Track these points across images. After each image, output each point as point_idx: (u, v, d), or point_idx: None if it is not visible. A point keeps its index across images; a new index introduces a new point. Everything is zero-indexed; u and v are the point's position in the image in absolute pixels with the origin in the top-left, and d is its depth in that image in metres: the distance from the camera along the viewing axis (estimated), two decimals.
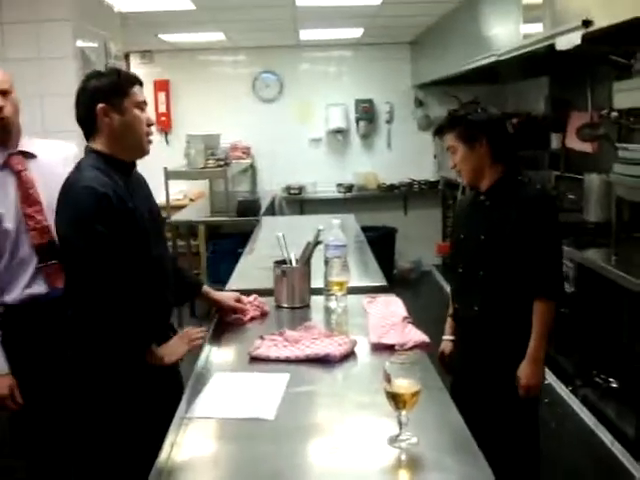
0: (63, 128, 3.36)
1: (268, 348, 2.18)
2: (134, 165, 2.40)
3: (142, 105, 2.32)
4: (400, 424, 1.60)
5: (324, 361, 2.09)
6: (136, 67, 7.90)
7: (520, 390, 2.58)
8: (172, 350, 2.34)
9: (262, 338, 2.25)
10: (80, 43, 3.39)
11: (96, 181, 2.16)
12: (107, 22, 3.81)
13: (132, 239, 2.22)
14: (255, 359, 2.16)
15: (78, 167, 2.28)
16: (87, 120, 2.27)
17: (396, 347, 2.20)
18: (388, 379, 1.59)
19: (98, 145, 2.27)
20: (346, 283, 2.65)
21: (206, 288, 2.71)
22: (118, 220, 2.16)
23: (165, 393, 2.26)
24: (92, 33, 3.57)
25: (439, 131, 2.74)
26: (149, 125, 2.34)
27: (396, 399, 1.58)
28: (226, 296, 2.69)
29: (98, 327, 2.15)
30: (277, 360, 2.13)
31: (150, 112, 2.55)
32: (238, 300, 2.66)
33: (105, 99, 2.23)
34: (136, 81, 2.33)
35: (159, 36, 6.86)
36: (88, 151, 2.30)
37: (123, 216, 2.18)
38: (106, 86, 2.25)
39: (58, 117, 3.36)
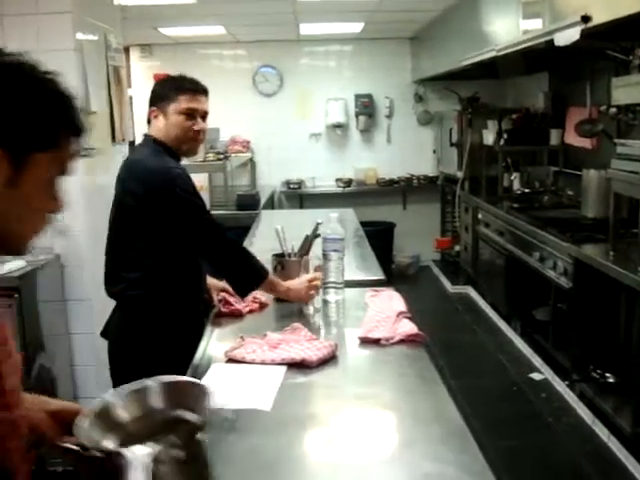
0: None
1: (245, 350, 2.14)
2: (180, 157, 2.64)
3: (188, 112, 2.54)
4: None
5: (301, 366, 2.04)
6: (136, 61, 7.91)
7: None
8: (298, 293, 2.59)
9: (242, 339, 2.22)
10: (80, 36, 3.38)
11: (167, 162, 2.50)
12: (107, 15, 3.81)
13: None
14: (231, 360, 2.12)
15: (139, 149, 2.68)
16: (148, 115, 2.61)
17: (382, 341, 2.21)
18: None
19: (152, 132, 2.58)
20: None
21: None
22: None
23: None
24: (92, 26, 3.56)
25: None
26: (196, 132, 2.56)
27: None
28: None
29: None
30: (252, 363, 2.07)
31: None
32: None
33: (155, 103, 2.57)
34: (188, 89, 2.56)
35: (159, 29, 6.85)
36: (145, 136, 2.61)
37: None
38: (158, 91, 2.59)
39: None
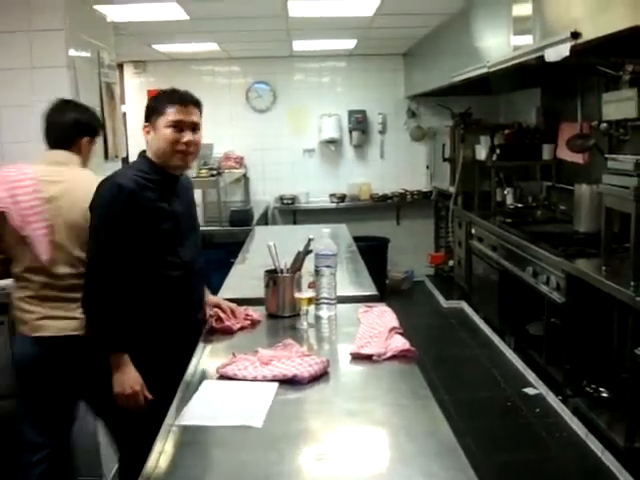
0: None
1: (237, 367, 2.13)
2: (174, 175, 2.61)
3: (174, 124, 2.50)
4: None
5: (293, 382, 2.03)
6: (130, 77, 7.93)
7: None
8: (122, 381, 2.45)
9: (234, 355, 2.20)
10: (73, 53, 3.39)
11: (125, 178, 2.46)
12: (100, 32, 3.82)
13: (159, 237, 2.50)
14: (223, 376, 2.11)
15: (126, 166, 2.68)
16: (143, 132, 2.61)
17: (374, 357, 2.20)
18: None
19: (148, 152, 2.58)
20: (314, 299, 2.66)
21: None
22: (143, 216, 2.44)
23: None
24: (85, 43, 3.57)
25: None
26: (184, 144, 2.50)
27: None
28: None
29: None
30: (244, 379, 2.07)
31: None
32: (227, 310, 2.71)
33: (148, 119, 2.55)
34: (175, 102, 2.51)
35: (153, 46, 6.87)
36: (139, 154, 2.62)
37: (150, 214, 2.46)
38: (150, 107, 2.56)
39: None
